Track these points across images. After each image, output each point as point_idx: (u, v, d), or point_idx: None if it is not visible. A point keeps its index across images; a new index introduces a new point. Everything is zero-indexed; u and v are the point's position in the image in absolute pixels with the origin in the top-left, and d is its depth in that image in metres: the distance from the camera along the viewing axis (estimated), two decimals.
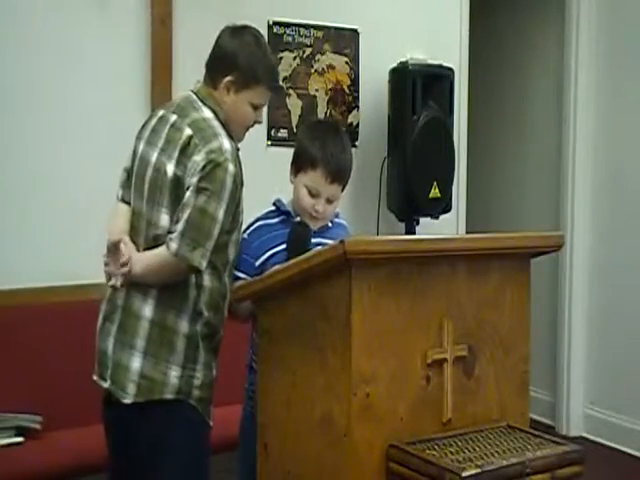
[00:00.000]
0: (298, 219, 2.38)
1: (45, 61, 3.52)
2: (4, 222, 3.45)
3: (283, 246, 2.34)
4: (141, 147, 2.34)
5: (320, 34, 4.19)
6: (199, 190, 2.15)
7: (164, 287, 2.22)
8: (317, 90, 4.21)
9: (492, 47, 5.43)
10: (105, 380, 2.30)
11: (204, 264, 2.16)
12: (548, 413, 4.92)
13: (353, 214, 4.24)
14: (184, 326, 2.22)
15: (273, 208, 2.45)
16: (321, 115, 4.20)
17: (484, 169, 5.40)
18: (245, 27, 2.38)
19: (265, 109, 4.25)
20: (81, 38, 3.59)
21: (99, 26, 3.62)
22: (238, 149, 2.31)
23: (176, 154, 2.20)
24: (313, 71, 4.20)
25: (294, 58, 4.13)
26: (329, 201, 2.36)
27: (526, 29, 5.26)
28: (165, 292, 2.22)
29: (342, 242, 1.77)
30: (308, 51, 4.17)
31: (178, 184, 2.19)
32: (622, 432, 4.52)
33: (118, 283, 2.23)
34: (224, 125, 2.26)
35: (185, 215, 2.15)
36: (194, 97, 2.32)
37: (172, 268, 2.18)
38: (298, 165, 2.37)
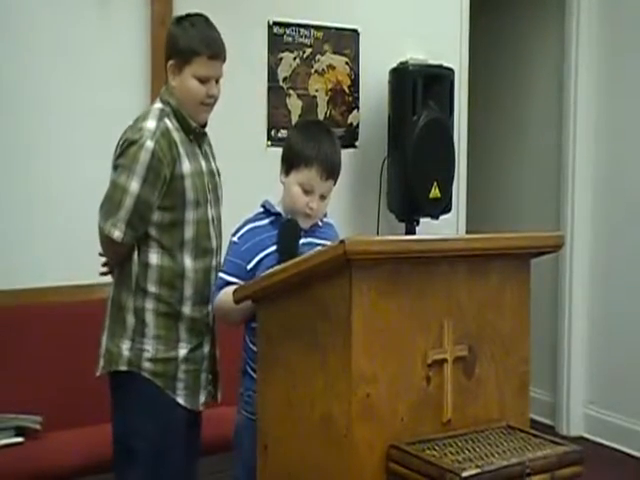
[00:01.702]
0: (289, 217, 2.38)
1: (44, 60, 3.52)
2: (6, 223, 3.45)
3: (274, 247, 2.33)
4: None
5: (320, 34, 4.19)
6: (115, 167, 2.36)
7: (119, 268, 2.42)
8: (317, 90, 4.21)
9: (492, 47, 5.43)
10: None
11: (116, 232, 2.32)
12: (548, 413, 4.92)
13: (353, 214, 4.24)
14: (131, 302, 2.39)
15: (261, 210, 2.44)
16: (321, 115, 4.20)
17: (484, 169, 5.39)
18: (189, 15, 2.48)
19: (265, 109, 4.20)
20: (81, 38, 3.59)
21: (99, 26, 3.62)
22: (203, 133, 2.47)
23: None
24: (313, 71, 4.19)
25: (294, 58, 4.12)
26: (322, 197, 2.39)
27: (526, 29, 5.25)
28: (119, 273, 2.43)
29: (342, 242, 1.76)
30: (308, 51, 4.17)
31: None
32: (622, 432, 4.52)
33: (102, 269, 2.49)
34: (175, 111, 2.39)
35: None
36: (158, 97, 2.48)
37: (100, 238, 2.39)
38: (290, 165, 2.37)
